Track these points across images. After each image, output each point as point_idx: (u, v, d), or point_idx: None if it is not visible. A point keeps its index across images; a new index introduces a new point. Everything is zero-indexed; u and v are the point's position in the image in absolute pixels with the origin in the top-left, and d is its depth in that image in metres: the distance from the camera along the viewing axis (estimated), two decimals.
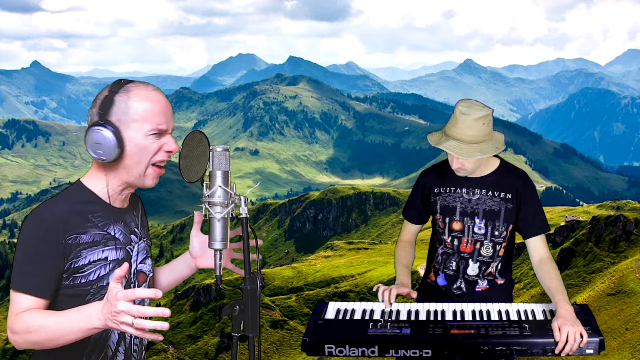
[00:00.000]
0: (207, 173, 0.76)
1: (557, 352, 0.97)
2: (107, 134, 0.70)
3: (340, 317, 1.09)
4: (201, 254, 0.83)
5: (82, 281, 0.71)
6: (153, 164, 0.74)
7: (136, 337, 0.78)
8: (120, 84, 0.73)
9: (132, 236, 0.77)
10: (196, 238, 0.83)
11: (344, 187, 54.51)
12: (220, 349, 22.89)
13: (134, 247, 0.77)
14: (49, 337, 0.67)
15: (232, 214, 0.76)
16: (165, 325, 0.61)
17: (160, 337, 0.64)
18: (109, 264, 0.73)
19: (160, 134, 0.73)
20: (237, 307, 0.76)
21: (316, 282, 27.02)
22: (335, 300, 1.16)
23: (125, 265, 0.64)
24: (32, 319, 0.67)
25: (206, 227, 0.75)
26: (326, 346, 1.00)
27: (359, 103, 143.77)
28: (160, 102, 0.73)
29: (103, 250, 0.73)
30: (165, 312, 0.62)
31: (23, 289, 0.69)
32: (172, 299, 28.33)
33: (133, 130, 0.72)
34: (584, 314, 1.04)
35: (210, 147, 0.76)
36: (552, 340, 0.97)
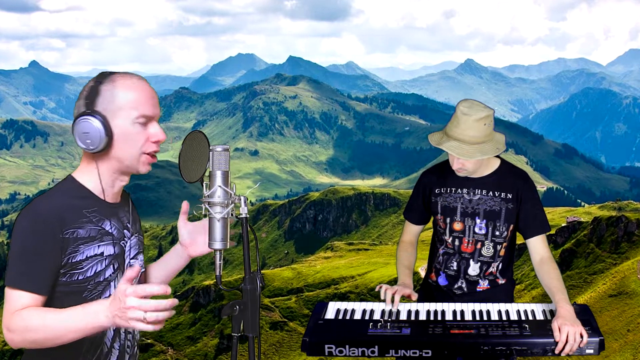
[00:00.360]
0: (206, 173, 0.76)
1: (557, 352, 0.97)
2: (94, 122, 0.70)
3: (340, 317, 1.09)
4: (191, 242, 0.83)
5: (80, 278, 0.71)
6: (146, 153, 0.74)
7: (129, 333, 0.78)
8: (105, 75, 0.73)
9: (125, 231, 0.77)
10: (184, 228, 0.83)
11: (344, 188, 54.50)
12: (219, 350, 22.83)
13: (127, 243, 0.78)
14: (50, 336, 0.65)
15: (232, 214, 0.76)
16: (172, 312, 0.62)
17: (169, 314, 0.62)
18: (105, 259, 0.73)
19: (147, 121, 0.73)
20: (237, 307, 0.76)
21: (316, 283, 27.00)
22: (336, 302, 1.16)
23: (137, 267, 0.64)
24: (32, 317, 0.66)
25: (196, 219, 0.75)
26: (326, 346, 1.00)
27: (359, 103, 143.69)
28: (145, 90, 0.73)
29: (99, 246, 0.73)
30: (175, 301, 0.63)
31: (20, 285, 0.68)
32: None
33: (120, 119, 0.72)
34: (584, 314, 1.04)
35: (210, 147, 0.76)
36: (552, 340, 0.97)
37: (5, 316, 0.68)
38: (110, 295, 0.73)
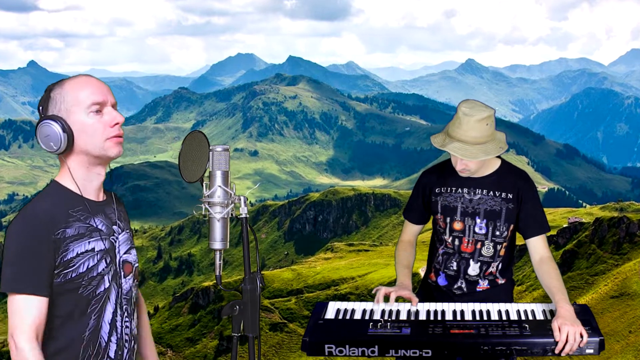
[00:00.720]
0: (206, 173, 0.78)
1: (557, 352, 0.97)
2: (51, 124, 0.74)
3: (340, 317, 1.09)
4: None
5: (73, 275, 0.73)
6: (109, 139, 0.76)
7: (127, 327, 0.80)
8: (54, 84, 0.78)
9: (114, 227, 0.80)
10: None
11: (344, 189, 54.36)
12: (219, 351, 22.79)
13: (117, 238, 0.80)
14: None
15: (231, 214, 0.78)
16: None
17: None
18: (97, 254, 0.76)
19: (100, 108, 0.76)
20: (237, 307, 0.78)
21: (316, 284, 26.90)
22: (335, 301, 1.15)
23: None
24: None
25: None
26: (326, 346, 1.00)
27: (360, 103, 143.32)
28: (92, 83, 0.77)
29: (89, 242, 0.75)
30: None
31: (25, 290, 0.69)
32: (170, 301, 28.21)
33: (74, 114, 0.75)
34: (584, 314, 1.04)
35: (210, 147, 0.78)
36: (552, 340, 0.97)
37: (15, 326, 0.68)
38: (104, 289, 0.75)
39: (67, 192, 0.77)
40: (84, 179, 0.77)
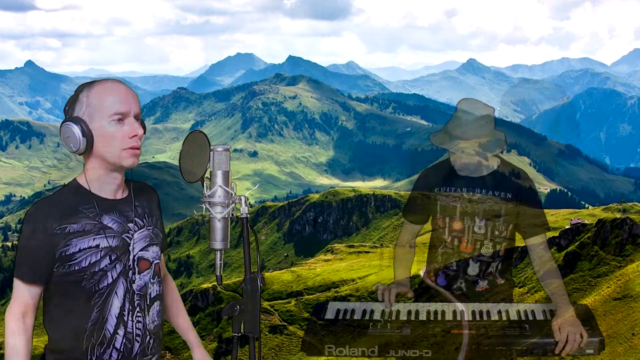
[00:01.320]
0: (207, 174, 0.79)
1: (557, 352, 0.97)
2: (73, 127, 0.78)
3: (340, 317, 1.10)
4: None
5: (76, 268, 0.77)
6: (125, 149, 0.80)
7: (139, 322, 0.81)
8: (84, 85, 0.81)
9: (129, 225, 0.81)
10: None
11: (344, 189, 54.44)
12: (218, 354, 22.70)
13: (132, 236, 0.81)
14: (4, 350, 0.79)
15: (232, 215, 0.79)
16: None
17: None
18: (101, 251, 0.78)
19: (122, 118, 0.79)
20: (238, 307, 0.79)
21: (316, 286, 26.88)
22: (335, 302, 1.16)
23: None
24: (12, 339, 0.76)
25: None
26: (326, 346, 1.01)
27: (360, 103, 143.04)
28: (119, 91, 0.80)
29: (94, 239, 0.78)
30: None
31: (19, 275, 0.79)
32: None
33: (97, 120, 0.79)
34: (584, 314, 1.04)
35: (211, 147, 0.80)
36: (552, 340, 0.98)
37: (10, 304, 0.79)
38: (107, 285, 0.78)
39: (81, 190, 0.80)
40: (100, 181, 0.81)
